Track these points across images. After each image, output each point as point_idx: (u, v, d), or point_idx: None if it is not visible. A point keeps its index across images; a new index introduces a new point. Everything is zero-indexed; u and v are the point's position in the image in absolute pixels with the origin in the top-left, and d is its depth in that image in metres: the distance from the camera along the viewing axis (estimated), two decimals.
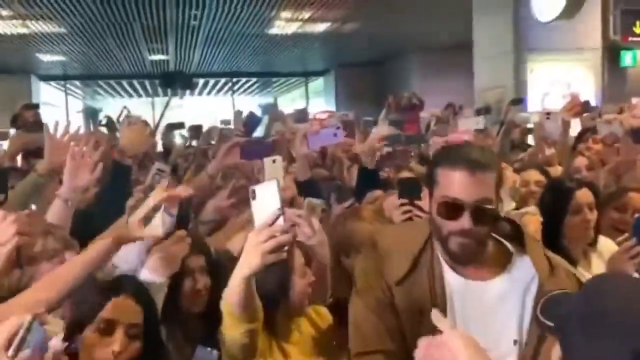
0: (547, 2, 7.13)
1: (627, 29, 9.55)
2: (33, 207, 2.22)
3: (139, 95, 17.68)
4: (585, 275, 2.11)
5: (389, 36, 11.07)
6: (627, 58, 11.28)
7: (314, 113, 8.87)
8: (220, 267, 1.79)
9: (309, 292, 1.73)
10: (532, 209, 2.20)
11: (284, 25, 10.15)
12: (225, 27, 9.92)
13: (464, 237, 1.35)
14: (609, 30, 8.80)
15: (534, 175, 2.88)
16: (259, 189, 1.29)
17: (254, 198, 1.27)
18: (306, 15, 9.39)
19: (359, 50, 12.58)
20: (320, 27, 10.40)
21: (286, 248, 1.23)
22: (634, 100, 4.28)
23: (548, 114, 3.37)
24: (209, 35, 10.60)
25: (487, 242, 1.41)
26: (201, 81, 16.23)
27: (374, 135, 2.91)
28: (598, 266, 2.13)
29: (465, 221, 1.33)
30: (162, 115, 6.15)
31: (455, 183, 1.34)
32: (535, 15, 7.31)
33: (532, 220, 2.13)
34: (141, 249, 1.58)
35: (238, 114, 4.09)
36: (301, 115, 5.59)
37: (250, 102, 16.86)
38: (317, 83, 16.94)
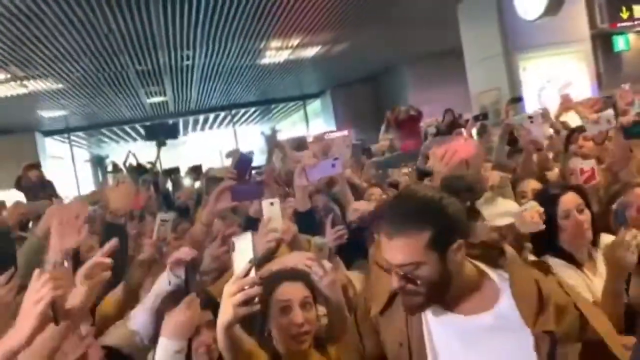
0: (530, 0, 7.19)
1: (614, 15, 9.61)
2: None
3: (143, 138, 17.89)
4: (590, 276, 2.12)
5: (379, 52, 11.17)
6: (620, 42, 11.33)
7: (311, 136, 8.96)
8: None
9: (306, 330, 1.69)
10: (533, 203, 2.17)
11: (274, 54, 10.28)
12: (217, 62, 10.07)
13: (400, 292, 1.36)
14: (596, 19, 8.85)
15: (532, 184, 2.81)
16: (237, 240, 1.34)
17: (233, 250, 1.33)
18: (295, 42, 9.52)
19: (351, 68, 12.69)
20: (311, 52, 10.52)
21: (256, 300, 1.28)
22: (625, 87, 4.26)
23: (530, 117, 3.34)
24: (203, 73, 10.75)
25: (439, 290, 1.34)
26: (202, 117, 16.41)
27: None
28: (603, 265, 2.13)
29: (394, 281, 1.34)
30: (156, 160, 6.22)
31: (383, 244, 1.37)
32: (521, 15, 7.36)
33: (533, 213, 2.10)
34: (147, 318, 1.62)
35: (235, 152, 4.13)
36: (299, 143, 5.65)
37: (252, 131, 17.02)
38: (314, 105, 17.06)
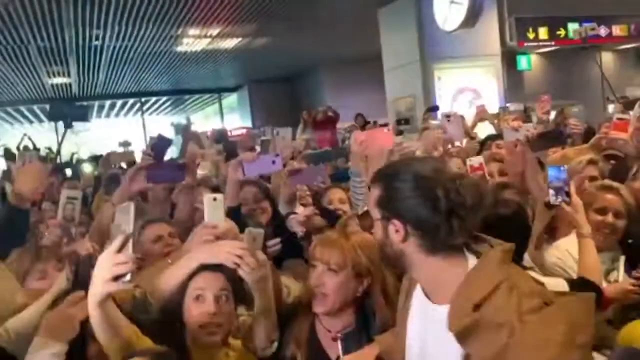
0: (448, 13, 7.44)
1: (522, 35, 10.21)
2: None
3: (41, 121, 16.64)
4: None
5: (300, 51, 11.14)
6: (522, 62, 12.08)
7: (230, 129, 8.73)
8: (141, 315, 1.63)
9: (218, 322, 1.61)
10: None
11: (191, 42, 9.93)
12: (129, 46, 9.55)
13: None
14: (505, 37, 9.35)
15: None
16: (118, 211, 1.28)
17: (112, 220, 1.22)
18: (214, 32, 9.24)
19: (271, 65, 12.56)
20: (230, 43, 10.27)
21: (128, 277, 1.22)
22: (543, 97, 4.48)
23: (448, 116, 3.39)
24: (113, 55, 10.16)
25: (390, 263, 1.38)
26: (108, 102, 15.54)
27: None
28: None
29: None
30: (60, 146, 5.75)
31: None
32: (439, 25, 7.60)
33: None
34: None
35: (151, 140, 3.88)
36: (220, 135, 5.45)
37: (162, 122, 16.38)
38: (230, 99, 16.74)
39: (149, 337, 1.52)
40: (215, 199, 1.83)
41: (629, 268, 2.18)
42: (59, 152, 6.78)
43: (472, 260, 1.24)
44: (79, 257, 1.46)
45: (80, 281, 1.46)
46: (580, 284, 1.92)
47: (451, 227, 1.19)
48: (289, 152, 3.19)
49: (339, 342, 1.72)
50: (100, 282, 1.26)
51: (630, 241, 2.30)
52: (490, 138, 3.87)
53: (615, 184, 2.35)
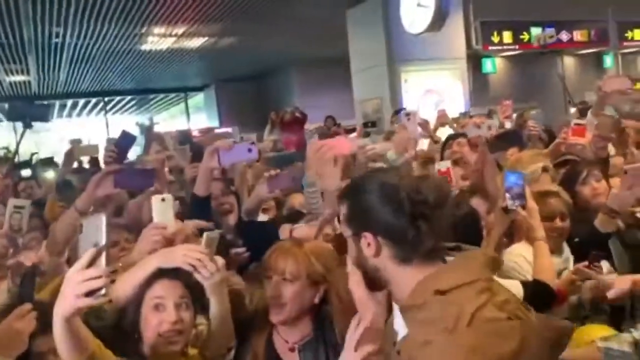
0: (415, 16, 7.49)
1: (487, 38, 10.41)
2: None
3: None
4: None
5: (267, 51, 11.05)
6: (487, 65, 12.32)
7: (195, 130, 8.59)
8: (94, 321, 1.56)
9: (179, 329, 1.56)
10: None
11: (157, 41, 9.74)
12: (92, 44, 9.30)
13: None
14: (471, 41, 9.49)
15: None
16: (86, 222, 1.21)
17: (80, 232, 1.19)
18: (179, 30, 9.08)
19: (238, 64, 12.44)
20: (196, 43, 10.12)
21: (103, 292, 1.16)
22: (506, 101, 4.55)
23: (408, 114, 3.42)
24: (74, 53, 9.88)
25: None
26: (69, 102, 15.15)
27: None
28: None
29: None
30: (18, 144, 5.55)
31: None
32: (406, 28, 7.64)
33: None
34: None
35: (110, 141, 3.76)
36: (183, 136, 5.33)
37: (126, 121, 16.05)
38: (197, 98, 16.52)
39: (105, 345, 1.45)
40: (163, 200, 1.77)
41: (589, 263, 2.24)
42: (16, 152, 6.55)
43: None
44: (24, 268, 1.37)
45: (24, 294, 1.37)
46: (533, 286, 1.97)
47: (418, 229, 1.15)
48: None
49: (296, 353, 1.70)
50: (70, 298, 1.18)
51: (576, 240, 2.38)
52: (452, 137, 3.87)
53: (554, 188, 2.45)
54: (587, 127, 3.14)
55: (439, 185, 1.22)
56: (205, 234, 1.69)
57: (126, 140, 2.45)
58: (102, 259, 1.17)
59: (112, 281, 1.35)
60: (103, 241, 1.18)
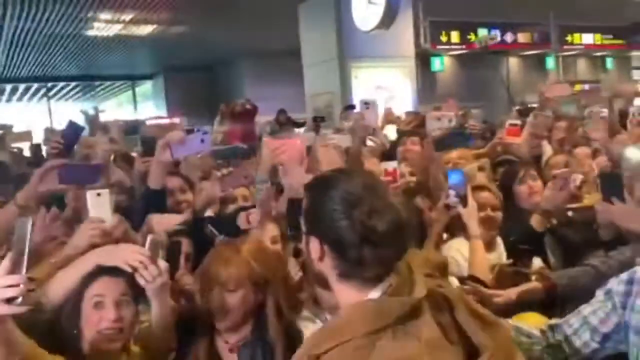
0: (366, 13, 7.57)
1: (435, 37, 10.64)
2: None
3: None
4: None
5: (219, 41, 10.91)
6: (436, 63, 12.61)
7: (145, 119, 8.38)
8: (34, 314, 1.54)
9: (119, 327, 1.55)
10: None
11: (104, 26, 9.44)
12: (33, 27, 8.92)
13: None
14: (420, 39, 9.68)
15: None
16: (18, 222, 1.21)
17: (13, 233, 1.19)
18: (128, 17, 8.84)
19: (188, 54, 12.21)
20: (146, 30, 9.88)
21: (19, 301, 1.17)
22: (451, 100, 4.67)
23: (367, 103, 3.37)
24: (14, 37, 9.45)
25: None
26: (9, 87, 14.48)
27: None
28: None
29: None
30: None
31: None
32: (356, 25, 7.71)
33: None
34: None
35: (48, 131, 3.65)
36: (132, 128, 5.21)
37: (71, 108, 15.50)
38: (145, 87, 16.13)
39: (42, 341, 1.44)
40: (99, 194, 1.75)
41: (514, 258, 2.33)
42: None
43: (373, 294, 1.11)
44: None
45: None
46: (469, 281, 2.07)
47: (362, 254, 1.08)
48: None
49: (236, 355, 1.71)
50: None
51: (512, 238, 2.48)
52: (405, 135, 3.92)
53: (484, 183, 2.57)
54: (526, 128, 3.29)
55: (397, 215, 1.11)
56: (149, 237, 1.66)
57: (73, 130, 2.39)
58: (23, 265, 1.18)
59: (31, 290, 1.33)
60: (26, 247, 1.18)
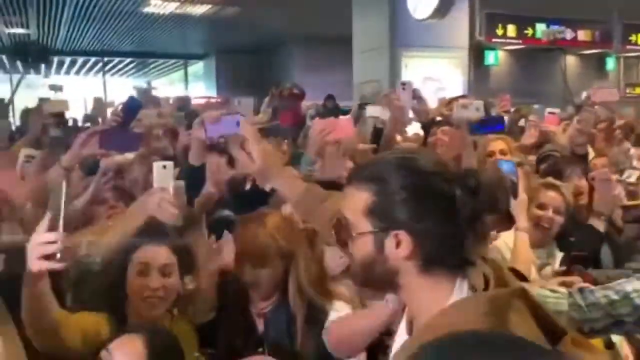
0: (421, 1, 7.44)
1: (491, 30, 10.36)
2: None
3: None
4: None
5: (271, 25, 10.95)
6: (490, 57, 12.27)
7: (194, 97, 8.53)
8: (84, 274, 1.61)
9: (160, 296, 1.61)
10: None
11: (160, 4, 9.63)
12: (94, 2, 9.19)
13: None
14: (475, 31, 9.45)
15: None
16: (54, 184, 1.35)
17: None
18: None
19: (240, 36, 12.32)
20: (200, 10, 10.02)
21: (58, 257, 1.24)
22: (505, 95, 4.59)
23: (404, 84, 3.27)
24: (76, 10, 9.75)
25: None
26: (68, 59, 14.99)
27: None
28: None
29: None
30: (13, 93, 5.51)
31: None
32: (410, 13, 7.60)
33: None
34: None
35: (98, 100, 3.76)
36: (183, 104, 5.31)
37: (124, 84, 15.93)
38: (197, 67, 16.39)
39: (89, 305, 1.50)
40: (164, 167, 1.80)
41: (568, 264, 2.28)
42: (11, 100, 6.47)
43: (458, 288, 0.98)
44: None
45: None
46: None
47: (467, 239, 0.97)
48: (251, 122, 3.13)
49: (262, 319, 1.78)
50: (30, 260, 1.26)
51: (572, 239, 2.41)
52: (436, 124, 3.84)
53: (558, 183, 2.47)
54: (572, 124, 3.20)
55: (494, 183, 1.01)
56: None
57: (132, 105, 2.47)
58: (60, 224, 1.26)
59: (69, 248, 1.40)
60: (62, 207, 1.27)
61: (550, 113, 3.24)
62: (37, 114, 3.79)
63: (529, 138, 3.42)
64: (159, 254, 1.64)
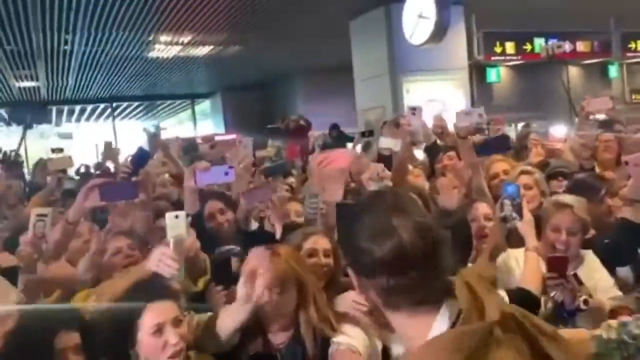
0: (416, 27, 7.56)
1: (489, 48, 10.47)
2: None
3: (8, 124, 16.31)
4: None
5: (272, 59, 11.17)
6: (492, 74, 12.37)
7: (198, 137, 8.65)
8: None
9: (180, 347, 1.63)
10: None
11: (164, 48, 9.88)
12: (100, 50, 9.45)
13: None
14: (473, 51, 9.56)
15: None
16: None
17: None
18: (186, 39, 9.22)
19: (243, 72, 12.57)
20: (203, 51, 10.26)
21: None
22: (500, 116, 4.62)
23: (413, 108, 3.34)
24: (83, 60, 10.03)
25: None
26: (77, 107, 15.33)
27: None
28: None
29: None
30: (19, 147, 5.66)
31: None
32: (408, 40, 7.72)
33: None
34: None
35: (108, 145, 3.86)
36: (189, 145, 5.39)
37: (134, 127, 16.20)
38: (203, 105, 16.67)
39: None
40: (177, 217, 1.86)
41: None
42: (17, 152, 6.59)
43: (441, 317, 1.01)
44: None
45: None
46: (518, 294, 2.01)
47: (407, 279, 1.00)
48: (250, 161, 3.22)
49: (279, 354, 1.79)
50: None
51: (606, 241, 2.39)
52: (442, 150, 3.87)
53: (569, 201, 2.37)
54: (572, 138, 3.22)
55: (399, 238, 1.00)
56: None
57: (141, 155, 2.57)
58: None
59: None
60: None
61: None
62: (43, 171, 3.91)
63: (535, 156, 3.44)
64: (168, 309, 1.64)
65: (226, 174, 2.34)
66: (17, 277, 2.13)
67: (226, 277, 2.19)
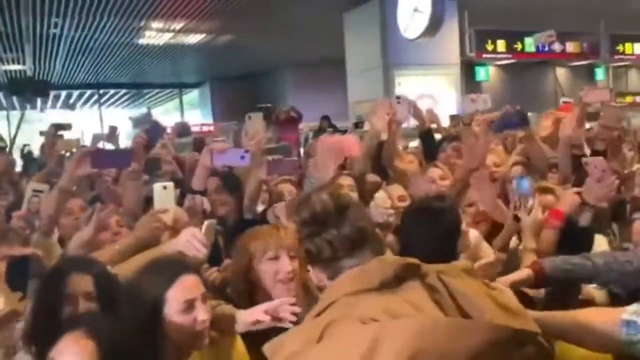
0: (410, 21, 7.59)
1: (481, 46, 10.52)
2: None
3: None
4: None
5: (263, 50, 11.11)
6: (481, 73, 12.45)
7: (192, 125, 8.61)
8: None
9: (207, 325, 1.58)
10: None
11: (154, 35, 9.78)
12: (89, 36, 9.33)
13: None
14: (465, 48, 9.60)
15: (397, 189, 2.59)
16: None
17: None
18: (178, 26, 9.13)
19: (233, 63, 12.49)
20: (194, 39, 10.17)
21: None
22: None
23: (398, 97, 3.27)
24: (71, 45, 9.90)
25: None
26: (64, 93, 15.12)
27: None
28: None
29: None
30: (17, 130, 5.58)
31: None
32: (401, 33, 7.74)
33: None
34: None
35: (112, 130, 3.82)
36: (183, 129, 5.37)
37: (120, 115, 16.03)
38: (191, 95, 16.55)
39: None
40: (165, 187, 1.83)
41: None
42: (13, 141, 6.51)
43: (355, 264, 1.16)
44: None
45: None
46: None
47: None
48: (261, 137, 3.12)
49: None
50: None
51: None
52: (447, 141, 3.83)
53: (553, 186, 2.38)
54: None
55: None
56: (206, 222, 1.75)
57: (156, 129, 2.55)
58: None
59: None
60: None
61: (565, 102, 3.19)
62: (52, 149, 3.85)
63: (543, 130, 3.37)
64: (199, 285, 1.55)
65: (242, 157, 2.33)
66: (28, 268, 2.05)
67: (215, 260, 2.15)
